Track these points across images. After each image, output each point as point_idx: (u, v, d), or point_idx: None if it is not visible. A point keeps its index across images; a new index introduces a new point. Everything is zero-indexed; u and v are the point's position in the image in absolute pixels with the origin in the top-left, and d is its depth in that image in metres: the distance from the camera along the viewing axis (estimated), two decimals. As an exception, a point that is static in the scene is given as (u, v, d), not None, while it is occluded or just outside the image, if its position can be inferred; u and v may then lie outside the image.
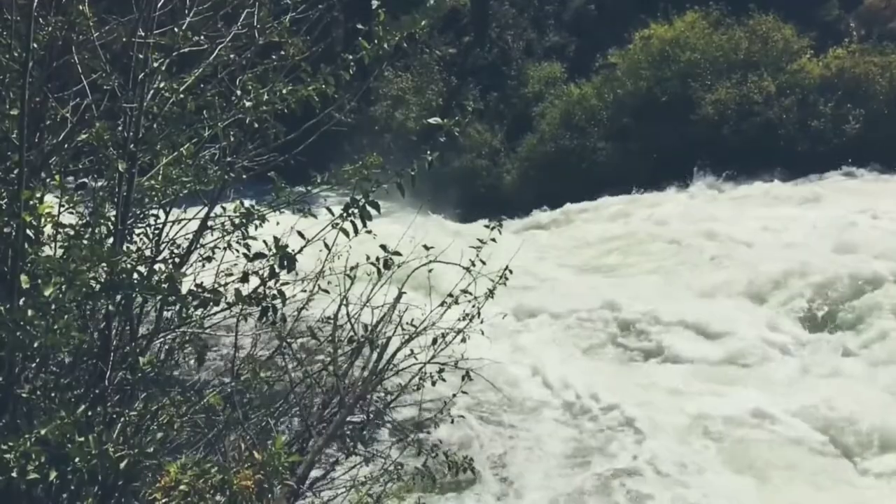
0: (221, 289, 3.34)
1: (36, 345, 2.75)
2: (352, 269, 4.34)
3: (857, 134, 19.60)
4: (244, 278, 3.52)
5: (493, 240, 4.67)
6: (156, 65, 3.46)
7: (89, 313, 3.22)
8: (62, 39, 3.44)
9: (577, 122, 21.82)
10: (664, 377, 10.51)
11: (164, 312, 3.38)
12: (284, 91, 3.61)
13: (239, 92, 3.64)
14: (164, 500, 2.65)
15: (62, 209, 3.34)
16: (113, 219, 3.30)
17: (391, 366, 4.51)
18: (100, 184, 3.62)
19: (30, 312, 2.71)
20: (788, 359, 10.71)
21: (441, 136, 3.86)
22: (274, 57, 3.87)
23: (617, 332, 11.85)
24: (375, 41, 3.64)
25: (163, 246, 3.62)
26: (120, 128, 3.41)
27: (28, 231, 2.82)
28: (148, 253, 3.53)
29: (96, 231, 3.25)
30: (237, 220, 3.49)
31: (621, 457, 8.48)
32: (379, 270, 3.93)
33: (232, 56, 3.79)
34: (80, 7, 3.46)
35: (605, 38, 23.90)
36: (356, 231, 3.48)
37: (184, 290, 3.15)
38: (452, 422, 5.36)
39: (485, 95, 24.09)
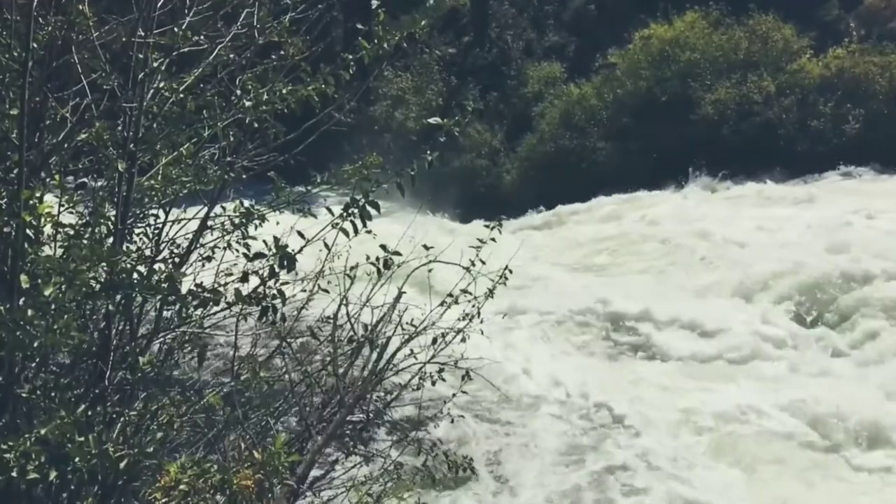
0: (221, 288, 3.34)
1: (36, 345, 2.75)
2: (352, 268, 4.34)
3: (856, 134, 19.58)
4: (244, 278, 3.52)
5: (493, 239, 4.67)
6: (155, 64, 3.47)
7: (89, 313, 3.22)
8: (62, 39, 3.44)
9: (576, 122, 21.79)
10: (655, 374, 10.58)
11: (164, 312, 3.38)
12: (284, 91, 3.61)
13: (239, 92, 3.64)
14: (163, 500, 2.65)
15: (62, 209, 3.34)
16: (113, 218, 3.30)
17: (391, 365, 4.50)
18: (99, 183, 3.63)
19: (30, 312, 2.71)
20: (779, 356, 10.75)
21: (441, 136, 3.87)
22: (274, 57, 3.87)
23: (609, 330, 11.88)
24: (375, 41, 3.64)
25: (163, 246, 3.62)
26: (120, 127, 3.41)
27: (28, 231, 2.82)
28: (148, 253, 3.54)
29: (96, 231, 3.25)
30: (237, 220, 3.50)
31: (614, 452, 8.53)
32: (379, 270, 3.93)
33: (232, 56, 3.80)
34: (80, 7, 3.46)
35: (604, 38, 23.87)
36: (356, 231, 3.48)
37: (184, 290, 3.15)
38: (452, 421, 5.37)
39: (484, 95, 24.06)
